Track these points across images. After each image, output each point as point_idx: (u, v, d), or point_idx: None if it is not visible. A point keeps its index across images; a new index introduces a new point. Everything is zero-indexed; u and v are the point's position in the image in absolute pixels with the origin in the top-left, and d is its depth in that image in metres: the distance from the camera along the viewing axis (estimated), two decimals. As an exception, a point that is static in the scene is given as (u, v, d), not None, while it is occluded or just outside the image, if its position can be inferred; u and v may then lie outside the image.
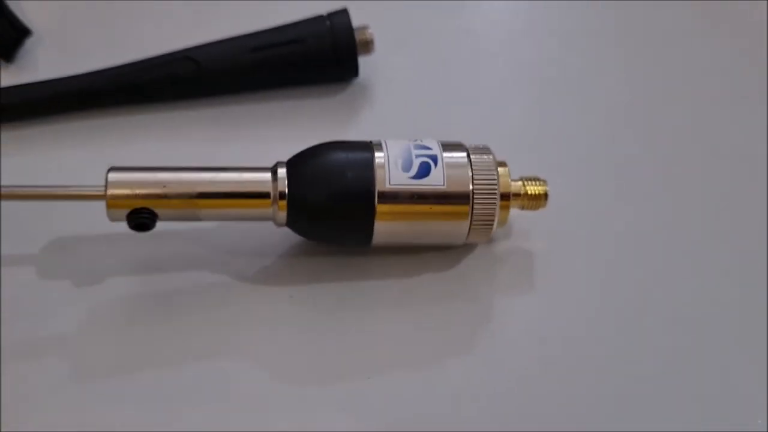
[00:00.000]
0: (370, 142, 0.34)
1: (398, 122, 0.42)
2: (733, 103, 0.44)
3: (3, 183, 0.38)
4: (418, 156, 0.33)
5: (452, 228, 0.34)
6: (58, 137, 0.40)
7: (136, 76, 0.41)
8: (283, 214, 0.33)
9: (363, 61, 0.41)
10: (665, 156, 0.41)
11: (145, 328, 0.33)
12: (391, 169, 0.33)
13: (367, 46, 0.41)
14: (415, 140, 0.34)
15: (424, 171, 0.33)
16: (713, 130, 0.42)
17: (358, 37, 0.41)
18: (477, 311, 0.35)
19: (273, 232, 0.35)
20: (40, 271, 0.35)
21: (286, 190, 0.33)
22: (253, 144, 0.41)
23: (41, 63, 0.43)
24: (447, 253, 0.36)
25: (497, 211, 0.34)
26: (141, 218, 0.33)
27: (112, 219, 0.33)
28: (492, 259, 0.36)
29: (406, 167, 0.33)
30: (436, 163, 0.33)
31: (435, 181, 0.33)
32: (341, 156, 0.33)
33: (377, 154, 0.33)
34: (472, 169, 0.33)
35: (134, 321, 0.34)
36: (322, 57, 0.41)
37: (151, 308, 0.34)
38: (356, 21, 0.41)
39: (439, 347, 0.33)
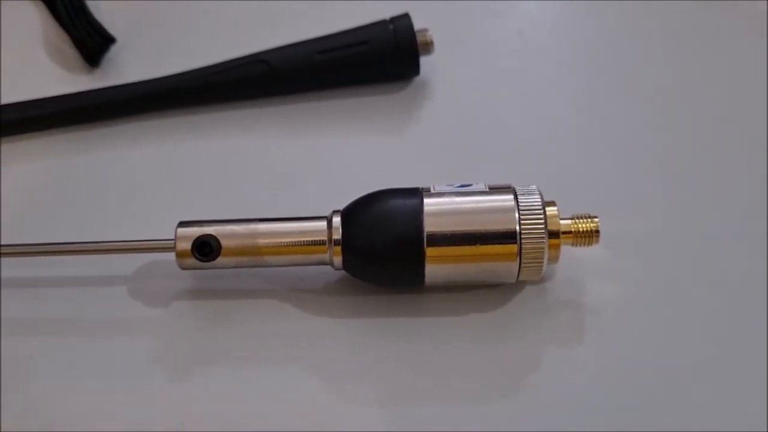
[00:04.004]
0: (420, 188, 0.35)
1: (456, 114, 0.43)
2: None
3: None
4: (462, 184, 0.35)
5: (502, 268, 0.34)
6: (142, 134, 0.43)
7: (213, 78, 0.43)
8: (339, 259, 0.34)
9: (423, 61, 0.43)
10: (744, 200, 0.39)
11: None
12: (436, 186, 0.35)
13: (428, 46, 0.43)
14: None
15: (466, 185, 0.35)
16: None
17: (419, 38, 0.43)
18: (522, 350, 0.35)
19: (334, 275, 0.36)
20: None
21: (341, 237, 0.34)
22: (321, 138, 0.43)
23: (124, 68, 0.46)
24: (500, 289, 0.36)
25: (546, 250, 0.34)
26: (205, 241, 0.34)
27: (183, 268, 0.35)
28: (544, 297, 0.36)
29: (450, 185, 0.35)
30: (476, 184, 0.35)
31: (477, 188, 0.34)
32: (391, 203, 0.34)
33: (426, 200, 0.34)
34: (518, 210, 0.33)
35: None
36: (386, 57, 0.43)
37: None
38: (416, 24, 0.43)
39: (478, 387, 0.34)
